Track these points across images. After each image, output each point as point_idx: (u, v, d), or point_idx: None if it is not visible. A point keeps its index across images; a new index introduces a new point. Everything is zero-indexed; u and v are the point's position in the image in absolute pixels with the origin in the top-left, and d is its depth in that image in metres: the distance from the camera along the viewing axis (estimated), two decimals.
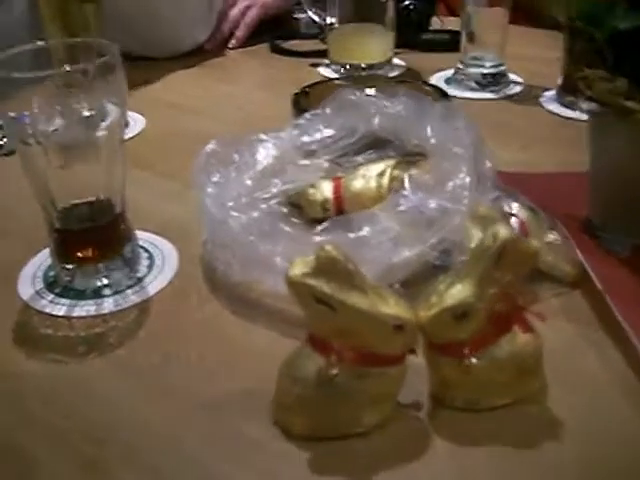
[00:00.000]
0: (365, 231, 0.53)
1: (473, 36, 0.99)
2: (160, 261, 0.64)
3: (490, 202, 0.55)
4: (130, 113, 0.96)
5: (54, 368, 0.53)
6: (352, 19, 1.04)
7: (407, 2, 1.12)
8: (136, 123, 0.95)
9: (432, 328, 0.45)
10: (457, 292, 0.44)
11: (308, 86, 0.85)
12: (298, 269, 0.42)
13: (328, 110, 0.69)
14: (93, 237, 0.60)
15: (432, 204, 0.53)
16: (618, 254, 0.61)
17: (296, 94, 0.83)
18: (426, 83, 0.89)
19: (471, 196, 0.54)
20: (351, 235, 0.53)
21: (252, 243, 0.54)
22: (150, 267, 0.63)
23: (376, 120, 0.67)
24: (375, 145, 0.67)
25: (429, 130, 0.61)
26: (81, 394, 0.51)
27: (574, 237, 0.61)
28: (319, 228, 0.55)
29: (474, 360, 0.45)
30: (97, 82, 0.54)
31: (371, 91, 0.68)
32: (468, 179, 0.55)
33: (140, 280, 0.61)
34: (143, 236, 0.66)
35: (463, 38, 1.00)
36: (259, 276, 0.54)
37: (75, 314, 0.58)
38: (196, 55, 1.17)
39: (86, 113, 0.56)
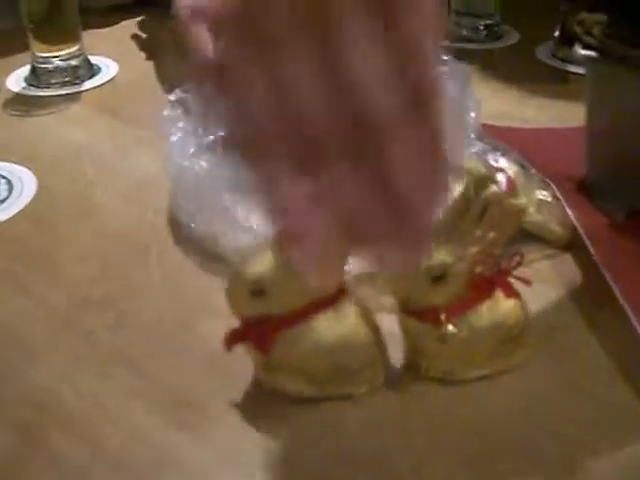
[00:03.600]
0: None
1: None
2: None
3: (475, 155, 0.51)
4: (102, 59, 0.91)
5: None
6: None
7: None
8: (108, 69, 0.90)
9: (407, 292, 0.40)
10: (435, 252, 0.39)
11: None
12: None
13: None
14: None
15: None
16: (613, 218, 0.56)
17: None
18: None
19: (453, 146, 0.49)
20: None
21: (214, 193, 0.50)
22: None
23: None
24: None
25: None
26: None
27: (567, 197, 0.57)
28: None
29: (451, 328, 0.40)
30: None
31: None
32: (449, 126, 0.50)
33: None
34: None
35: None
36: (220, 228, 0.50)
37: None
38: None
39: None
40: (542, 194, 0.55)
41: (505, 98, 0.77)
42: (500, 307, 0.41)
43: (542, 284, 0.49)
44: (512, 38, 0.95)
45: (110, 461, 0.40)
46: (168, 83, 0.77)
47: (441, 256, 0.39)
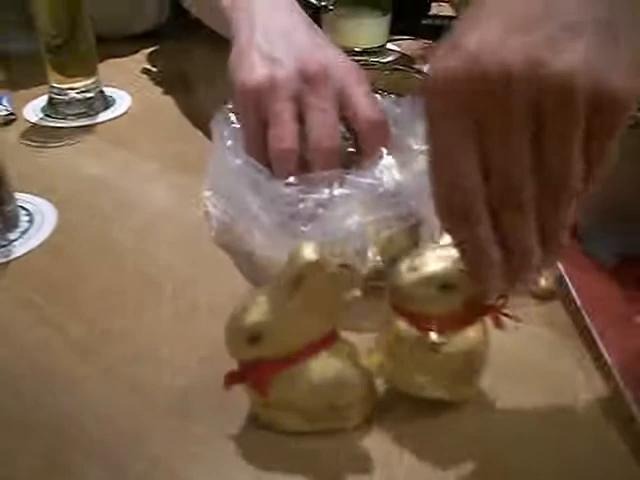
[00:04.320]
0: (325, 193, 0.54)
1: None
2: None
3: None
4: (116, 91, 0.95)
5: None
6: (348, 2, 1.02)
7: None
8: (122, 101, 0.93)
9: (414, 293, 0.43)
10: (444, 262, 0.43)
11: None
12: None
13: None
14: None
15: (391, 182, 0.55)
16: (604, 263, 0.59)
17: None
18: (418, 71, 0.87)
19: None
20: (314, 195, 0.55)
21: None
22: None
23: None
24: None
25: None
26: None
27: None
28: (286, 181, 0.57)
29: (440, 338, 0.43)
30: None
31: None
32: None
33: None
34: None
35: None
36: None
37: None
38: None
39: None
40: None
41: None
42: (479, 336, 0.45)
43: (532, 325, 0.53)
44: None
45: None
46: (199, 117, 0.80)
47: (457, 266, 0.42)
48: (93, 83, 0.90)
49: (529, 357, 0.50)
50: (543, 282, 0.56)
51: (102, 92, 0.92)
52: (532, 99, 0.36)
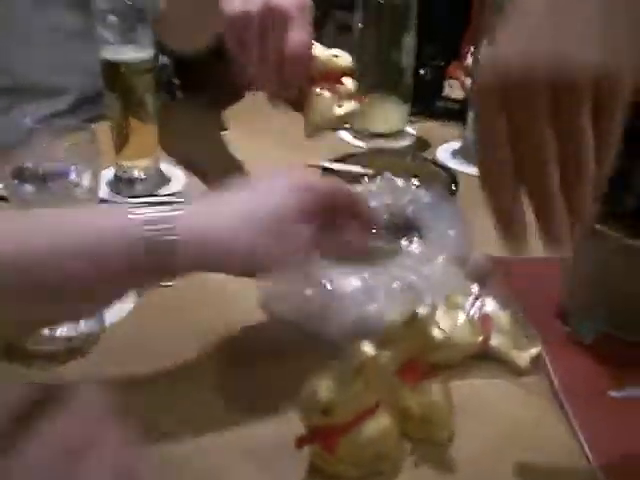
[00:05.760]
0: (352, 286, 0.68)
1: None
2: None
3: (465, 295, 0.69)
4: (169, 167, 1.05)
5: None
6: (372, 90, 1.16)
7: (422, 72, 1.24)
8: (177, 178, 1.03)
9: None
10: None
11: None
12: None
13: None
14: None
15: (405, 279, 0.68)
16: (583, 340, 0.70)
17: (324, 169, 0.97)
18: (434, 163, 1.02)
19: (442, 280, 0.68)
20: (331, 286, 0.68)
21: None
22: None
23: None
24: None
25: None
26: None
27: (544, 325, 0.72)
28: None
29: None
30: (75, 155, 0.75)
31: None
32: (442, 267, 0.69)
33: None
34: None
35: (470, 115, 1.12)
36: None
37: None
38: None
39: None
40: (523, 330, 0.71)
41: None
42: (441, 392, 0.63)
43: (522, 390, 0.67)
44: None
45: None
46: None
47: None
48: (154, 162, 1.02)
49: (518, 418, 0.64)
50: (521, 361, 0.68)
51: (160, 170, 1.03)
52: (550, 86, 0.49)
